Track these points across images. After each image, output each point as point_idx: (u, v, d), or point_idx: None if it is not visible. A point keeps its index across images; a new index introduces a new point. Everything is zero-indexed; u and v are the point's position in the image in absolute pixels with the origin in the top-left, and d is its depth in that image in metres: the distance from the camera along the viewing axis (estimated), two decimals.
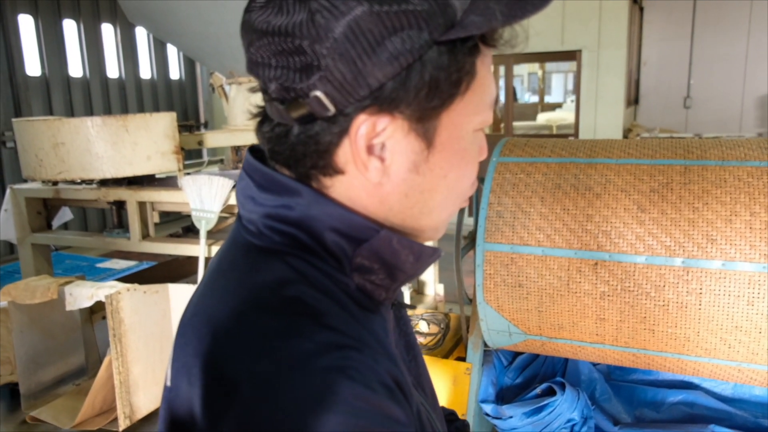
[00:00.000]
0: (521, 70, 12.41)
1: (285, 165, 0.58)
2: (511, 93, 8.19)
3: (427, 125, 0.55)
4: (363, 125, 0.53)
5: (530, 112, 10.86)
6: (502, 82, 8.12)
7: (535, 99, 12.65)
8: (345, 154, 0.55)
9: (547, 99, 12.49)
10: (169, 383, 0.58)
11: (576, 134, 7.60)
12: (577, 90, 7.53)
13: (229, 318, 0.54)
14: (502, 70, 8.03)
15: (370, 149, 0.55)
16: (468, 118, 0.57)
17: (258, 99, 0.61)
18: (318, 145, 0.55)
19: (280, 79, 0.52)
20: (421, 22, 0.50)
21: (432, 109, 0.54)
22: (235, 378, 0.49)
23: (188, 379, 0.53)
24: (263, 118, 0.60)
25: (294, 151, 0.56)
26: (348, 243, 0.57)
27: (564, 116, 9.66)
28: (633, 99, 8.77)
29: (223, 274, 0.60)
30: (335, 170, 0.56)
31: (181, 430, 0.54)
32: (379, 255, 0.58)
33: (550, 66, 12.35)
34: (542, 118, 10.06)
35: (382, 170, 0.56)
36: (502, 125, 8.25)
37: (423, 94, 0.53)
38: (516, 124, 8.67)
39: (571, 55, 7.41)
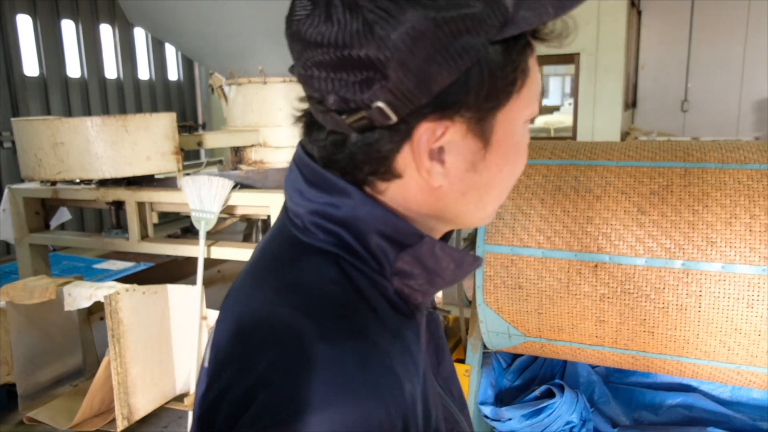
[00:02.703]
0: None
1: (341, 171, 0.57)
2: None
3: (484, 125, 0.55)
4: (425, 132, 0.53)
5: None
6: None
7: None
8: (404, 159, 0.55)
9: (545, 102, 12.51)
10: (206, 364, 0.61)
11: (574, 137, 7.61)
12: (575, 93, 7.55)
13: (266, 310, 0.55)
14: None
15: (431, 154, 0.54)
16: (520, 112, 0.57)
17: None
18: (378, 153, 0.55)
19: (339, 91, 0.51)
20: (477, 24, 0.50)
21: (490, 109, 0.54)
22: (262, 370, 0.51)
23: (222, 366, 0.56)
24: (311, 123, 0.59)
25: (353, 158, 0.56)
26: (391, 247, 0.57)
27: (562, 119, 9.68)
28: (631, 102, 8.80)
29: (266, 265, 0.62)
30: (394, 175, 0.56)
31: (211, 411, 0.55)
32: (420, 261, 0.58)
33: (547, 69, 12.36)
34: (540, 120, 10.07)
35: (443, 173, 0.56)
36: None
37: (482, 96, 0.52)
38: None
39: (569, 58, 7.42)
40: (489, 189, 0.59)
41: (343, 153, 0.56)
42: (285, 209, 0.65)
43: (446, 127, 0.53)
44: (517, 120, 0.57)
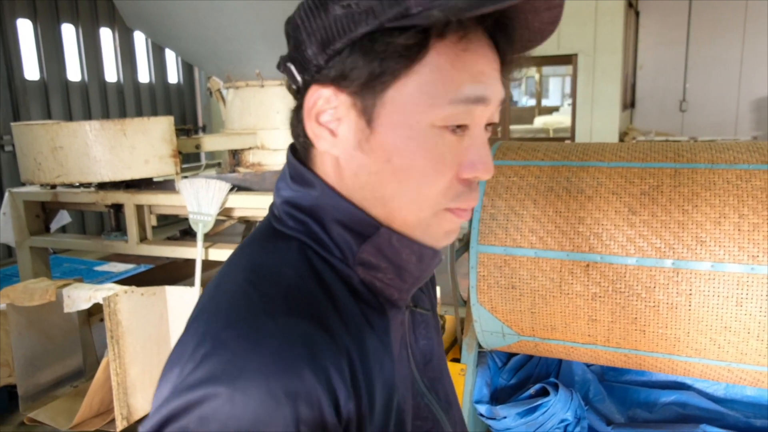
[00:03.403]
0: (518, 73, 12.43)
1: (295, 143, 0.66)
2: (507, 96, 8.22)
3: (366, 103, 0.58)
4: (313, 95, 0.59)
5: (528, 115, 10.90)
6: None
7: (532, 102, 12.68)
8: (312, 127, 0.61)
9: (545, 102, 12.53)
10: None
11: (572, 137, 7.63)
12: (573, 94, 7.58)
13: (230, 286, 0.59)
14: None
15: (318, 118, 0.60)
16: (419, 108, 0.57)
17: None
18: (296, 115, 0.63)
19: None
20: (368, 11, 0.54)
21: (369, 87, 0.57)
22: (205, 338, 0.53)
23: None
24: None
25: (293, 125, 0.65)
26: (353, 237, 0.61)
27: (561, 120, 9.71)
28: (629, 102, 8.82)
29: (242, 248, 0.66)
30: (309, 143, 0.63)
31: None
32: (383, 252, 0.61)
33: (547, 70, 12.39)
34: (539, 121, 10.10)
35: (331, 141, 0.60)
36: (499, 129, 8.29)
37: (363, 73, 0.56)
38: (513, 127, 8.72)
39: (567, 59, 7.45)
40: (380, 178, 0.59)
41: (294, 125, 0.65)
42: (271, 203, 0.70)
43: (330, 94, 0.58)
44: (414, 114, 0.57)
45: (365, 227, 0.61)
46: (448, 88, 0.57)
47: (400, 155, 0.58)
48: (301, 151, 0.66)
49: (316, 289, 0.58)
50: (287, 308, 0.55)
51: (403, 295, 0.65)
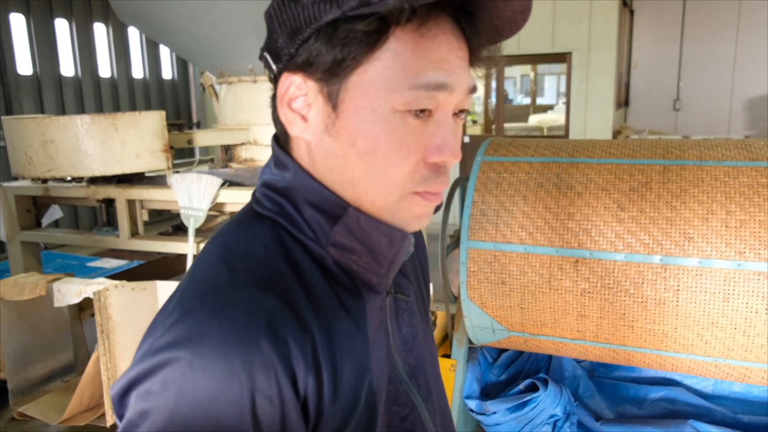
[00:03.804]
0: (514, 71, 12.45)
1: (279, 136, 0.68)
2: (502, 94, 8.24)
3: (332, 88, 0.60)
4: (285, 83, 0.62)
5: (522, 113, 10.91)
6: (493, 83, 8.18)
7: (528, 101, 12.70)
8: (284, 113, 0.64)
9: (540, 101, 12.54)
10: None
11: (566, 136, 7.65)
12: (567, 92, 7.59)
13: (204, 262, 0.62)
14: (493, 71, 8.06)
15: (290, 104, 0.62)
16: (381, 93, 0.59)
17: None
18: (273, 103, 0.65)
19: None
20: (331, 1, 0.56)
21: (333, 73, 0.59)
22: (175, 307, 0.56)
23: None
24: None
25: (273, 113, 0.67)
26: (324, 218, 0.63)
27: (555, 118, 9.72)
28: (623, 101, 8.84)
29: (222, 228, 0.68)
30: (284, 129, 0.65)
31: None
32: (353, 234, 0.63)
33: (542, 68, 12.40)
34: (533, 119, 10.11)
35: (302, 127, 0.63)
36: (493, 127, 8.30)
37: (327, 59, 0.58)
38: (507, 125, 8.72)
39: (561, 57, 7.46)
40: (347, 161, 0.61)
41: (273, 113, 0.67)
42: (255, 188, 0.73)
43: (299, 81, 0.61)
44: (377, 99, 0.59)
45: (335, 208, 0.63)
46: (408, 73, 0.58)
47: (364, 138, 0.60)
48: (281, 138, 0.68)
49: (284, 266, 0.60)
50: (252, 282, 0.57)
51: (381, 280, 0.66)
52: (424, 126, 0.61)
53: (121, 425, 0.54)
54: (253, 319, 0.54)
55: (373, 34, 0.57)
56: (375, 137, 0.60)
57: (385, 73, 0.58)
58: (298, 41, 0.59)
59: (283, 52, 0.61)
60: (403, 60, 0.58)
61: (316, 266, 0.63)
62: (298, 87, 0.61)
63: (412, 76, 0.58)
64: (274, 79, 0.65)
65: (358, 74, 0.59)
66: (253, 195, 0.70)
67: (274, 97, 0.65)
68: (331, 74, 0.59)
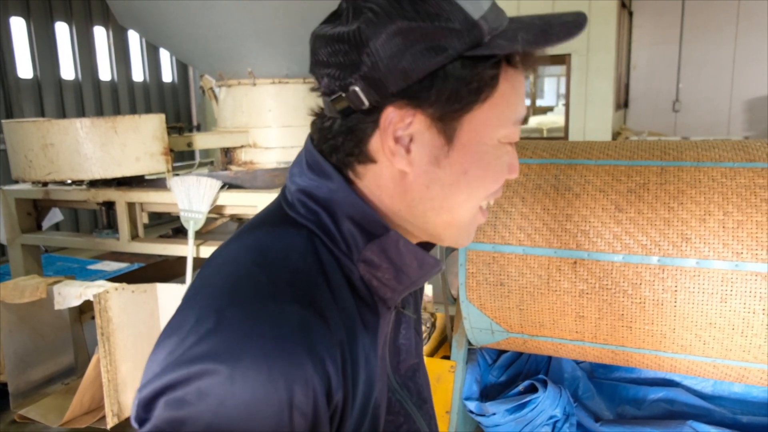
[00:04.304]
0: None
1: (329, 152, 0.66)
2: None
3: (447, 124, 0.63)
4: (390, 116, 0.62)
5: None
6: None
7: (527, 103, 12.72)
8: (376, 143, 0.64)
9: (540, 102, 12.55)
10: None
11: (566, 137, 7.66)
12: (566, 93, 7.60)
13: (237, 265, 0.61)
14: None
15: (396, 139, 0.63)
16: (490, 127, 0.65)
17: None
18: (354, 134, 0.64)
19: (330, 75, 0.63)
20: (449, 38, 0.59)
21: (453, 111, 0.62)
22: (209, 313, 0.55)
23: (184, 300, 0.61)
24: (320, 114, 0.69)
25: (335, 139, 0.65)
26: (361, 234, 0.64)
27: (555, 119, 9.72)
28: (622, 102, 8.85)
29: (249, 226, 0.68)
30: (368, 158, 0.65)
31: None
32: (386, 253, 0.64)
33: (542, 70, 12.41)
34: (533, 121, 10.11)
35: (407, 159, 0.64)
36: None
37: (444, 98, 0.61)
38: None
39: (561, 59, 7.47)
40: (453, 189, 0.65)
41: (330, 133, 0.66)
42: (283, 187, 0.72)
43: (412, 115, 0.62)
44: (487, 133, 0.65)
45: (375, 227, 0.65)
46: (511, 110, 0.66)
47: (477, 167, 0.65)
48: (344, 159, 0.67)
49: (320, 279, 0.61)
50: (291, 295, 0.57)
51: (395, 295, 0.68)
52: (510, 150, 0.69)
53: (144, 431, 0.53)
54: (295, 337, 0.54)
55: (496, 77, 0.62)
56: (486, 165, 0.66)
57: (495, 110, 0.64)
58: (410, 81, 0.60)
59: (391, 86, 0.61)
60: (507, 98, 0.64)
61: (345, 280, 0.64)
62: (402, 119, 0.62)
63: (512, 112, 0.66)
64: (364, 111, 0.63)
65: (473, 112, 0.63)
66: (284, 196, 0.70)
67: (351, 130, 0.65)
68: (449, 111, 0.62)
